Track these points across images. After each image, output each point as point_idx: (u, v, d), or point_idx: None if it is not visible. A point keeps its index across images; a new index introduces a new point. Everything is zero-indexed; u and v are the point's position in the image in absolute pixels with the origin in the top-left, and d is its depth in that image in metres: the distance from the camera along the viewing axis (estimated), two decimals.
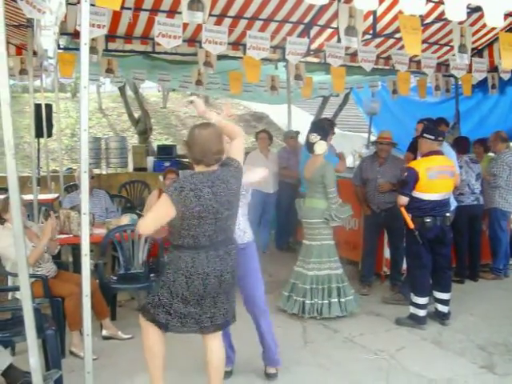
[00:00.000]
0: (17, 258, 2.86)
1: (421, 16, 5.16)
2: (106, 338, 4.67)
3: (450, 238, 5.21)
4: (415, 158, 5.59)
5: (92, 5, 3.22)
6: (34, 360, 2.90)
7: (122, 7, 5.46)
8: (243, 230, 3.75)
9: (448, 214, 5.09)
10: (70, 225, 5.23)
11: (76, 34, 6.49)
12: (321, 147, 5.14)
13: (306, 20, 7.54)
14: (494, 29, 6.78)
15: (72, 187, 7.70)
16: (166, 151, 12.06)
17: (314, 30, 7.73)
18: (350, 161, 9.31)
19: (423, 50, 6.86)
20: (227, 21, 7.20)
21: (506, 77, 8.09)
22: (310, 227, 5.26)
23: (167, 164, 10.89)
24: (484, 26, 6.29)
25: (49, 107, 8.55)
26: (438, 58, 7.80)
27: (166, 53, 7.68)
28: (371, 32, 6.51)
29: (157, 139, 16.89)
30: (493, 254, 6.73)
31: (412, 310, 5.07)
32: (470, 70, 7.66)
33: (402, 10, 4.31)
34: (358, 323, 5.14)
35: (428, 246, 4.98)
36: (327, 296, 5.17)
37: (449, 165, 5.06)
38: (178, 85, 9.20)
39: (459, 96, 9.67)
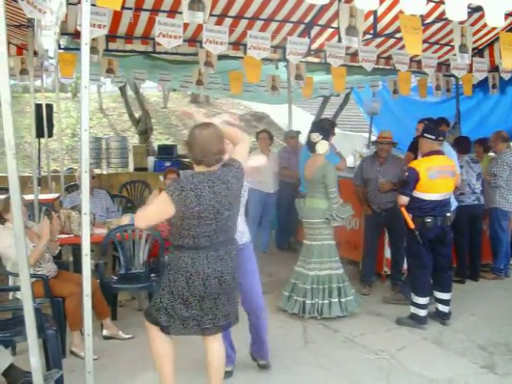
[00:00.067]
0: (17, 258, 2.86)
1: (421, 16, 5.16)
2: (106, 337, 4.67)
3: (451, 238, 5.21)
4: (416, 158, 5.59)
5: (93, 5, 3.22)
6: (34, 360, 2.91)
7: (123, 7, 5.46)
8: (241, 231, 3.74)
9: (449, 214, 5.08)
10: (71, 225, 5.24)
11: (77, 34, 6.49)
12: (323, 147, 5.14)
13: (307, 20, 7.55)
14: (494, 29, 6.78)
15: (73, 187, 7.70)
16: (166, 151, 12.05)
17: (315, 30, 7.73)
18: (351, 161, 9.30)
19: (424, 50, 6.86)
20: (228, 21, 7.20)
21: (506, 76, 8.10)
22: (310, 227, 5.26)
23: (168, 164, 10.88)
24: (485, 25, 6.28)
25: (49, 107, 8.55)
26: (439, 57, 7.80)
27: (166, 53, 7.69)
28: (372, 32, 6.50)
29: (157, 139, 16.89)
30: (493, 253, 6.73)
31: (413, 309, 5.06)
32: (470, 70, 7.66)
33: (403, 10, 4.31)
34: (358, 323, 5.13)
35: (429, 246, 4.98)
36: (328, 296, 5.16)
37: (449, 164, 5.06)
38: (178, 85, 9.21)
39: (460, 96, 9.67)
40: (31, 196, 6.13)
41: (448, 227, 5.07)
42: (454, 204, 5.75)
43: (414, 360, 4.33)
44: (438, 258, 5.06)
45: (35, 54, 6.50)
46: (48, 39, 7.01)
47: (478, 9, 4.60)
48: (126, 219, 5.48)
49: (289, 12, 7.25)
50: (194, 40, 7.53)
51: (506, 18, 4.40)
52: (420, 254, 5.00)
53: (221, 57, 7.39)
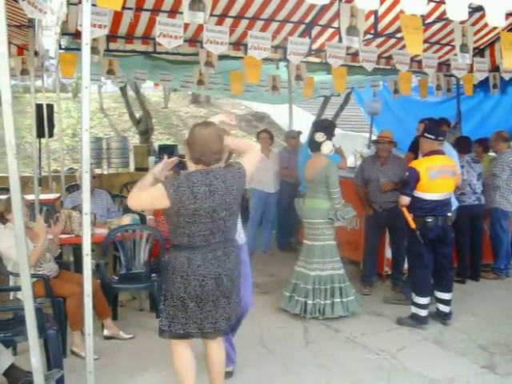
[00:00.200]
0: (18, 259, 2.86)
1: (422, 16, 5.15)
2: (107, 337, 4.67)
3: (452, 238, 5.21)
4: (416, 158, 5.58)
5: (93, 5, 3.22)
6: (35, 360, 2.91)
7: (123, 7, 5.44)
8: (237, 233, 3.72)
9: (449, 214, 5.08)
10: (72, 225, 5.24)
11: (77, 34, 6.49)
12: (328, 147, 5.16)
13: (307, 20, 7.54)
14: (495, 28, 6.77)
15: (73, 187, 7.70)
16: (167, 151, 12.02)
17: (316, 30, 7.72)
18: (352, 160, 9.29)
19: (424, 50, 6.85)
20: (228, 21, 7.20)
21: (507, 76, 8.09)
22: (312, 227, 5.26)
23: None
24: (485, 25, 6.27)
25: (50, 107, 8.55)
26: (440, 57, 7.79)
27: (167, 53, 7.69)
28: (372, 32, 6.49)
29: (158, 139, 16.90)
30: (494, 254, 6.73)
31: (413, 309, 5.06)
32: (471, 70, 7.66)
33: (404, 10, 4.31)
34: (359, 323, 5.14)
35: (429, 246, 4.98)
36: (330, 296, 5.16)
37: (450, 164, 5.06)
38: (179, 85, 9.21)
39: (460, 96, 9.66)
40: (32, 196, 6.13)
41: (449, 227, 5.07)
42: (455, 204, 5.75)
43: (414, 360, 4.33)
44: (438, 258, 5.06)
45: (36, 54, 6.50)
46: (49, 39, 7.01)
47: (479, 8, 4.59)
48: (126, 219, 5.48)
49: (289, 12, 7.25)
50: (194, 40, 7.53)
51: (506, 18, 4.38)
52: (421, 254, 4.99)
53: (221, 57, 7.39)
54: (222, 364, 3.43)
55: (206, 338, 3.29)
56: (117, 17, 6.47)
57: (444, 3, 4.31)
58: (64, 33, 6.65)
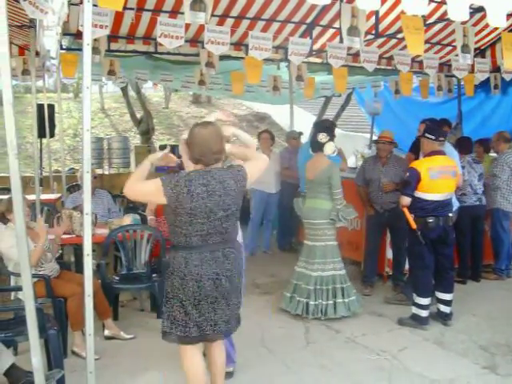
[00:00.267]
0: (19, 259, 2.86)
1: (423, 16, 5.15)
2: (108, 337, 4.68)
3: (453, 239, 5.21)
4: (417, 158, 5.58)
5: (94, 5, 3.22)
6: (36, 360, 2.91)
7: (125, 7, 5.46)
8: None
9: (451, 214, 5.08)
10: (73, 225, 5.24)
11: (78, 35, 6.50)
12: (331, 148, 5.17)
13: (309, 20, 7.54)
14: (496, 29, 6.76)
15: (74, 187, 7.71)
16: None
17: (317, 30, 7.72)
18: (353, 161, 9.30)
19: (425, 51, 6.84)
20: (229, 21, 7.20)
21: (508, 77, 8.08)
22: (313, 228, 5.26)
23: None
24: (486, 26, 6.27)
25: (51, 107, 8.56)
26: (441, 58, 7.78)
27: (168, 53, 7.69)
28: (373, 32, 6.49)
29: (159, 139, 16.90)
30: (495, 254, 6.73)
31: (414, 310, 5.06)
32: (472, 71, 7.65)
33: (405, 10, 4.30)
34: (360, 323, 5.13)
35: (431, 247, 4.98)
36: (332, 296, 5.17)
37: (451, 165, 5.05)
38: (180, 85, 9.21)
39: (462, 96, 9.66)
40: (33, 196, 6.14)
41: (450, 227, 5.07)
42: (456, 204, 5.74)
43: (415, 360, 4.33)
44: (439, 259, 5.06)
45: (37, 54, 6.51)
46: (50, 39, 7.02)
47: (480, 9, 4.59)
48: (127, 219, 5.48)
49: (290, 12, 7.25)
50: (195, 40, 7.53)
51: (507, 19, 4.40)
52: (422, 255, 4.99)
53: (222, 57, 7.39)
54: (223, 364, 3.43)
55: (206, 341, 3.27)
56: (118, 17, 6.47)
57: (445, 4, 4.31)
58: (65, 33, 6.66)
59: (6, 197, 4.55)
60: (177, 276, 3.08)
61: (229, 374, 3.84)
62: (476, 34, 6.46)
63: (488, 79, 8.31)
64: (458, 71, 7.40)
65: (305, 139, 8.14)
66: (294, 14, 7.30)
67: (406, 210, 4.97)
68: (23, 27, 6.23)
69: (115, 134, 16.72)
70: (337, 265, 5.26)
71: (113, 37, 7.07)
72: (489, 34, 7.83)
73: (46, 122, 7.62)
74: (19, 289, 3.95)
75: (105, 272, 4.98)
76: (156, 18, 5.73)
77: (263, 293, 6.06)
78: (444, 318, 5.12)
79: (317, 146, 5.25)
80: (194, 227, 3.04)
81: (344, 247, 5.77)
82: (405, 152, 6.80)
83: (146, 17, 6.67)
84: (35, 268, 4.32)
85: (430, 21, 6.68)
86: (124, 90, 14.10)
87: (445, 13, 5.65)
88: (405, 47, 6.35)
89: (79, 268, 5.03)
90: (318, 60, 9.22)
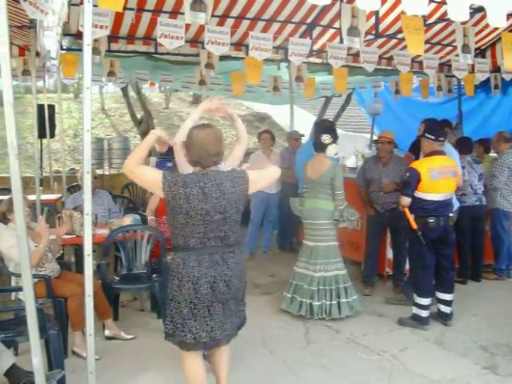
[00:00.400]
0: (20, 259, 2.86)
1: (423, 16, 5.15)
2: (108, 338, 4.68)
3: (453, 239, 5.20)
4: (417, 158, 5.58)
5: (95, 6, 3.22)
6: (36, 360, 2.91)
7: (125, 8, 5.46)
8: None
9: (451, 215, 5.08)
10: (73, 225, 5.24)
11: (79, 35, 6.50)
12: (333, 150, 5.21)
13: (309, 20, 7.54)
14: (496, 29, 6.76)
15: (75, 188, 7.71)
16: (168, 152, 11.90)
17: (317, 31, 7.72)
18: (353, 161, 9.30)
19: (426, 51, 6.84)
20: (229, 21, 7.20)
21: (508, 77, 8.08)
22: (314, 228, 5.26)
23: (170, 164, 10.82)
24: (487, 26, 6.26)
25: (51, 108, 8.56)
26: (441, 58, 7.77)
27: (168, 53, 7.69)
28: (374, 32, 6.49)
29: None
30: (495, 254, 6.73)
31: (415, 310, 5.06)
32: (472, 71, 7.65)
33: (405, 11, 4.30)
34: (360, 323, 5.14)
35: (431, 247, 4.98)
36: (336, 297, 5.17)
37: (451, 165, 5.05)
38: (180, 85, 9.21)
39: (462, 96, 9.66)
40: (33, 196, 6.14)
41: (450, 227, 5.07)
42: (456, 204, 5.74)
43: (415, 360, 4.33)
44: (440, 259, 5.06)
45: (37, 54, 6.51)
46: (50, 40, 7.01)
47: (480, 9, 4.59)
48: (127, 220, 5.49)
49: (291, 12, 7.24)
50: (195, 41, 7.53)
51: (508, 19, 4.39)
52: (422, 255, 4.99)
53: (222, 57, 7.39)
54: (227, 367, 3.40)
55: (205, 349, 3.24)
56: (118, 17, 6.47)
57: (445, 4, 4.30)
58: (65, 33, 6.65)
59: (6, 197, 4.55)
60: (175, 277, 3.08)
61: None
62: (476, 34, 6.45)
63: (488, 79, 8.30)
64: (458, 71, 7.40)
65: (305, 140, 8.14)
66: (294, 14, 7.30)
67: (406, 210, 4.97)
68: (23, 28, 6.23)
69: (115, 135, 16.72)
70: (339, 265, 5.27)
71: (113, 37, 7.06)
72: (489, 34, 7.82)
73: (46, 123, 7.62)
74: (20, 289, 3.95)
75: (105, 272, 4.98)
76: (156, 18, 5.73)
77: (263, 293, 6.07)
78: (444, 318, 5.12)
79: (320, 147, 5.26)
80: (191, 229, 3.03)
81: (344, 247, 5.77)
82: (405, 152, 6.80)
83: (146, 17, 6.66)
84: (36, 268, 4.32)
85: (430, 21, 6.67)
86: (124, 90, 14.09)
87: (445, 13, 5.64)
88: (405, 47, 6.34)
89: (79, 268, 5.04)
90: (318, 60, 9.22)
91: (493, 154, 7.21)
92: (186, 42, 6.47)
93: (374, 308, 5.56)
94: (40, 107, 7.64)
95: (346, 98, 13.85)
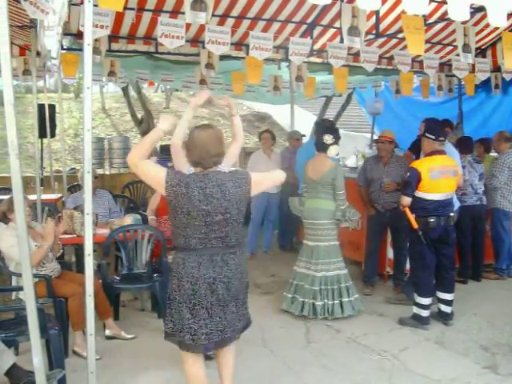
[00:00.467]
0: (20, 259, 2.87)
1: (424, 16, 5.14)
2: (109, 337, 4.68)
3: (454, 238, 5.20)
4: (417, 158, 5.58)
5: (95, 5, 3.22)
6: (37, 359, 2.91)
7: (125, 8, 5.45)
8: None
9: (452, 214, 5.08)
10: (74, 225, 5.24)
11: (79, 35, 6.50)
12: (334, 150, 5.22)
13: (309, 20, 7.53)
14: (497, 28, 6.75)
15: (75, 187, 7.71)
16: (168, 151, 11.98)
17: (317, 30, 7.71)
18: (353, 161, 9.30)
19: (426, 50, 6.83)
20: (230, 21, 7.20)
21: (508, 77, 8.08)
22: (315, 228, 5.26)
23: (170, 164, 10.80)
24: (487, 25, 6.26)
25: (52, 107, 8.56)
26: (441, 58, 7.77)
27: (169, 53, 7.68)
28: (374, 32, 6.49)
29: (160, 139, 16.87)
30: (495, 254, 6.73)
31: (415, 310, 5.06)
32: (473, 70, 7.65)
33: (405, 10, 4.29)
34: (361, 323, 5.14)
35: (431, 246, 4.98)
36: (338, 296, 5.18)
37: (451, 164, 5.05)
38: (181, 85, 9.21)
39: (462, 96, 9.66)
40: (34, 196, 6.15)
41: (451, 227, 5.07)
42: (457, 204, 5.74)
43: (416, 360, 4.33)
44: (440, 259, 5.06)
45: (38, 54, 6.51)
46: (51, 40, 7.01)
47: (481, 9, 4.59)
48: (128, 219, 5.49)
49: (291, 12, 7.24)
50: (196, 40, 7.52)
51: (508, 18, 4.39)
52: (423, 255, 4.99)
53: (223, 57, 7.39)
54: (232, 368, 3.38)
55: (204, 350, 3.21)
56: (119, 17, 6.47)
57: (446, 3, 4.30)
58: (66, 33, 6.65)
59: (7, 197, 4.56)
60: (175, 277, 3.08)
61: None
62: (477, 34, 6.45)
63: (489, 79, 8.30)
64: (458, 71, 7.40)
65: (305, 140, 8.14)
66: (294, 13, 7.29)
67: (407, 210, 4.97)
68: (24, 27, 6.23)
69: (116, 134, 16.71)
70: (340, 264, 5.28)
71: (113, 37, 7.06)
72: (489, 33, 7.82)
73: (46, 122, 7.62)
74: (20, 289, 3.95)
75: (106, 272, 4.98)
76: (157, 18, 5.73)
77: (264, 293, 6.07)
78: (445, 318, 5.12)
79: (321, 147, 5.26)
80: (191, 229, 3.02)
81: (345, 247, 5.78)
82: (404, 151, 6.79)
83: (146, 17, 6.66)
84: (36, 268, 4.33)
85: (431, 20, 6.67)
86: (125, 90, 14.08)
87: (445, 12, 5.64)
88: (405, 47, 6.34)
89: (80, 268, 5.04)
90: (319, 60, 9.21)
91: (493, 154, 7.20)
92: (187, 41, 6.47)
93: (374, 308, 5.56)
94: (40, 107, 7.65)
95: (346, 97, 13.85)
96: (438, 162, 4.94)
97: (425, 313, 5.02)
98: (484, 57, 8.19)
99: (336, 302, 5.17)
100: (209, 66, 7.18)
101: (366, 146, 10.78)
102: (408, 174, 4.99)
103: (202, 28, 6.49)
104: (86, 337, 3.17)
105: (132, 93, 15.23)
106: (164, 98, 20.85)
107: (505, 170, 6.49)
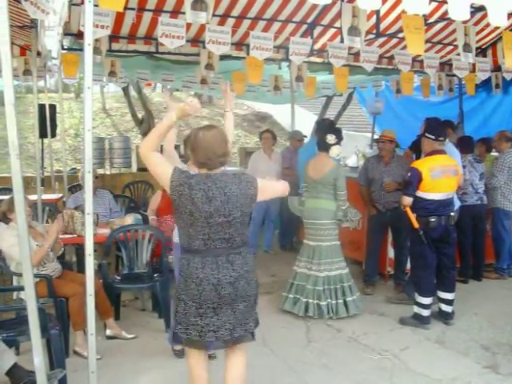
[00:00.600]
0: (21, 258, 2.87)
1: (424, 15, 5.14)
2: (109, 337, 4.69)
3: (454, 238, 5.20)
4: (418, 157, 5.58)
5: (95, 5, 3.22)
6: (38, 359, 2.92)
7: (126, 8, 5.46)
8: None
9: (452, 214, 5.08)
10: (74, 225, 5.25)
11: (79, 35, 6.50)
12: (336, 151, 5.22)
13: (309, 20, 7.53)
14: (497, 28, 6.76)
15: (76, 187, 7.71)
16: None
17: (318, 30, 7.71)
18: (354, 160, 9.30)
19: (426, 50, 6.83)
20: (230, 21, 7.20)
21: (508, 76, 8.08)
22: (316, 228, 5.26)
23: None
24: (487, 25, 6.26)
25: (53, 107, 8.57)
26: (442, 57, 7.77)
27: (169, 53, 7.68)
28: (374, 32, 6.49)
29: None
30: (496, 253, 6.73)
31: (416, 309, 5.06)
32: (473, 70, 7.64)
33: (406, 10, 4.29)
34: (361, 323, 5.14)
35: (432, 246, 4.98)
36: (341, 295, 5.18)
37: (452, 164, 5.05)
38: (181, 85, 9.21)
39: (463, 95, 9.65)
40: (34, 196, 6.15)
41: (452, 227, 5.07)
42: (458, 204, 5.74)
43: (417, 360, 4.34)
44: (441, 258, 5.06)
45: (38, 54, 6.52)
46: (51, 40, 7.02)
47: (481, 8, 4.58)
48: (129, 219, 5.49)
49: (291, 12, 7.24)
50: (196, 40, 7.52)
51: (508, 18, 4.37)
52: (424, 254, 4.99)
53: (223, 57, 7.38)
54: (238, 373, 3.25)
55: (212, 348, 3.21)
56: (119, 17, 6.47)
57: (446, 3, 4.29)
58: (66, 33, 6.65)
59: (7, 197, 4.56)
60: (182, 276, 3.09)
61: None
62: (477, 34, 6.44)
63: (489, 78, 8.30)
64: (458, 70, 7.39)
65: (306, 140, 8.13)
66: (294, 13, 7.29)
67: (408, 210, 4.97)
68: (24, 27, 6.23)
69: (116, 134, 16.71)
70: (341, 264, 5.29)
71: (114, 37, 7.06)
72: (490, 33, 7.81)
73: (47, 122, 7.64)
74: (21, 289, 3.95)
75: (106, 272, 4.99)
76: (157, 17, 5.73)
77: (264, 292, 6.06)
78: (446, 318, 5.12)
79: (323, 147, 5.26)
80: (194, 230, 3.01)
81: (345, 247, 5.77)
82: (404, 149, 6.78)
83: (147, 17, 6.66)
84: (37, 268, 4.33)
85: (431, 20, 6.67)
86: (125, 90, 14.09)
87: (446, 12, 5.64)
88: (406, 47, 6.34)
89: (81, 268, 5.05)
90: (319, 60, 9.21)
91: (494, 154, 7.20)
92: (187, 41, 6.47)
93: (375, 307, 5.56)
94: (41, 107, 7.65)
95: (346, 97, 13.84)
96: (438, 161, 4.94)
97: (425, 312, 5.02)
98: (484, 56, 8.19)
99: (340, 301, 5.17)
100: (209, 66, 7.18)
101: (367, 146, 10.76)
102: (409, 173, 4.99)
103: (202, 28, 6.49)
104: (87, 336, 3.18)
105: (132, 93, 15.24)
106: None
107: (505, 169, 6.49)
